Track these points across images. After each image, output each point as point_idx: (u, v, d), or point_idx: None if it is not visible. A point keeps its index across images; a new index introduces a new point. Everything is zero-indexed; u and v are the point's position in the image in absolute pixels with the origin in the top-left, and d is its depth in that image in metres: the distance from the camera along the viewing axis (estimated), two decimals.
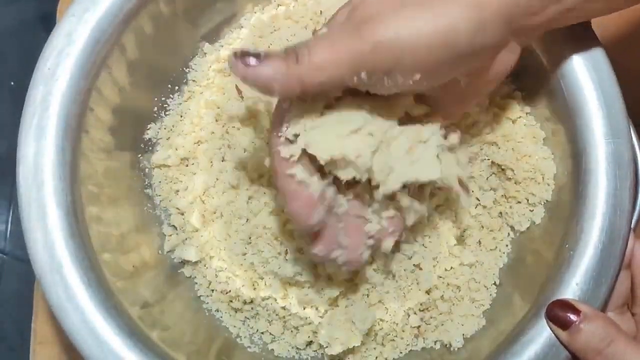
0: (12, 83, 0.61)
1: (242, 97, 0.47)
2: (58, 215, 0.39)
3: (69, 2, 0.53)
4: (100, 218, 0.42)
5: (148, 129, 0.48)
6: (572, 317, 0.37)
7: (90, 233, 0.40)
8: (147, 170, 0.48)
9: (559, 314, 0.38)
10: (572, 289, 0.39)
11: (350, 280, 0.46)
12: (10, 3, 0.61)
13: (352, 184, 0.37)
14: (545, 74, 0.43)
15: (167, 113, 0.49)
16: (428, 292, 0.46)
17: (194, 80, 0.49)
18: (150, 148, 0.48)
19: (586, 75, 0.41)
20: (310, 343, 0.47)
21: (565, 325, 0.38)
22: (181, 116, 0.49)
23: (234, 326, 0.47)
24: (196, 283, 0.48)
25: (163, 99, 0.49)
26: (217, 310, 0.47)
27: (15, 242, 0.60)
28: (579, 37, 0.41)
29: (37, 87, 0.40)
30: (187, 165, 0.48)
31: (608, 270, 0.39)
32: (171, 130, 0.49)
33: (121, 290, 0.40)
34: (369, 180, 0.36)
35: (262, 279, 0.47)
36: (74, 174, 0.40)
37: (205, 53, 0.49)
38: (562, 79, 0.41)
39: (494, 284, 0.47)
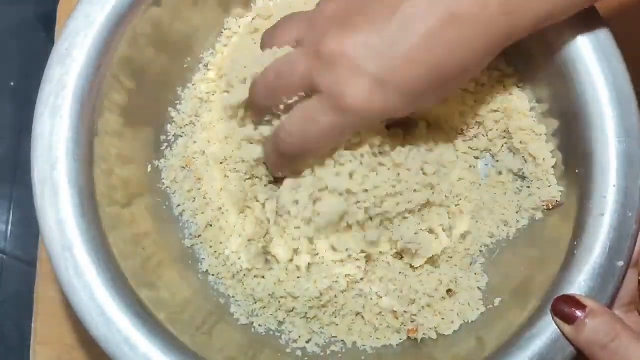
0: (12, 83, 0.61)
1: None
2: (70, 194, 0.40)
3: (69, 2, 0.54)
4: (111, 198, 0.43)
5: (165, 110, 0.49)
6: (578, 312, 0.37)
7: (101, 213, 0.41)
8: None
9: (564, 309, 0.38)
10: (578, 285, 0.39)
11: None
12: (10, 3, 0.61)
13: None
14: (555, 71, 0.43)
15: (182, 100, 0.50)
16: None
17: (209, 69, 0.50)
18: (165, 129, 0.49)
19: (599, 71, 0.41)
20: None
21: (570, 319, 0.38)
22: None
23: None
24: (210, 274, 0.48)
25: (179, 87, 0.50)
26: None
27: (15, 242, 0.60)
28: (590, 29, 0.41)
29: (53, 67, 0.41)
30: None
31: (615, 268, 0.39)
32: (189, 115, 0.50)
33: (129, 271, 0.41)
34: None
35: (271, 269, 0.47)
36: (87, 154, 0.41)
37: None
38: (573, 74, 0.42)
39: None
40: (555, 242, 0.43)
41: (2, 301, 0.57)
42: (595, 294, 0.39)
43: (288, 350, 0.46)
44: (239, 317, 0.47)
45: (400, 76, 0.37)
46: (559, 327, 0.38)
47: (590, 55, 0.41)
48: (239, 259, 0.47)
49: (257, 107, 0.43)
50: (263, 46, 0.43)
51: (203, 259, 0.48)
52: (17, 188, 0.58)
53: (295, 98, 0.40)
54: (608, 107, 0.41)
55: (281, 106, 0.40)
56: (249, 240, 0.47)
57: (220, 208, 0.48)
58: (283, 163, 0.43)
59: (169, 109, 0.49)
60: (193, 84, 0.50)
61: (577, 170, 0.42)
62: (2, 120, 0.59)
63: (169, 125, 0.49)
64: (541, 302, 0.40)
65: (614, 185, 0.40)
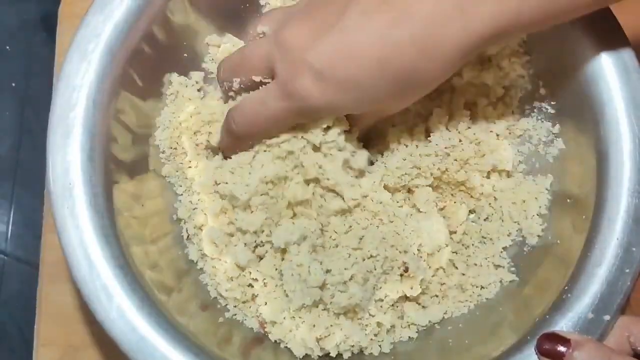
0: (13, 84, 0.61)
1: None
2: (81, 137, 0.41)
3: (71, 3, 0.53)
4: (122, 151, 0.44)
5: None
6: (562, 347, 0.37)
7: (109, 162, 0.42)
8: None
9: (549, 348, 0.38)
10: (587, 298, 0.40)
11: None
12: (11, 3, 0.61)
13: None
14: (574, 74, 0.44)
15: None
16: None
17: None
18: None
19: (614, 74, 0.41)
20: None
21: (557, 356, 0.37)
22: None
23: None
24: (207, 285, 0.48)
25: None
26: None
27: (16, 243, 0.60)
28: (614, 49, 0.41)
29: (92, 14, 0.42)
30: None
31: (602, 321, 0.39)
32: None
33: (124, 225, 0.42)
34: None
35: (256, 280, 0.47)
36: (107, 102, 0.42)
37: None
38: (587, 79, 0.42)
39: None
40: (547, 284, 0.43)
41: (3, 302, 0.57)
42: (603, 305, 0.39)
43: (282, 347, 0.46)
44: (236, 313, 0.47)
45: (339, 72, 0.38)
46: None
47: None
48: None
49: (221, 82, 0.46)
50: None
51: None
52: (18, 189, 0.58)
53: (256, 78, 0.42)
54: (627, 163, 0.41)
55: (237, 83, 0.44)
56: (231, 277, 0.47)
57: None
58: (233, 143, 0.45)
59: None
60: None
61: (584, 217, 0.42)
62: (3, 121, 0.59)
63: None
64: (520, 339, 0.40)
65: (617, 239, 0.40)
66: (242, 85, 0.44)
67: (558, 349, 0.37)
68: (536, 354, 0.38)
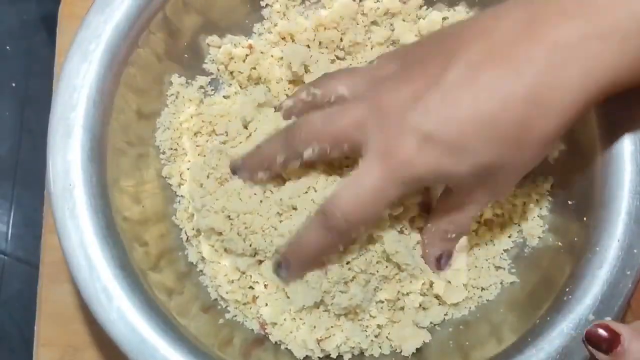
0: (13, 84, 0.60)
1: None
2: (82, 137, 0.41)
3: (71, 3, 0.53)
4: (122, 151, 0.44)
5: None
6: (611, 338, 0.36)
7: (109, 162, 0.42)
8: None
9: (599, 337, 0.37)
10: (560, 331, 0.39)
11: None
12: (11, 3, 0.61)
13: None
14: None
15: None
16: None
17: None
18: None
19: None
20: None
21: (607, 348, 0.36)
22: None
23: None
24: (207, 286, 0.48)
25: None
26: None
27: (17, 243, 0.59)
28: None
29: (93, 15, 0.42)
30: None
31: (626, 281, 0.39)
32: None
33: (125, 225, 0.42)
34: None
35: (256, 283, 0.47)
36: (107, 103, 0.42)
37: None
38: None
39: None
40: (548, 286, 0.43)
41: (3, 302, 0.57)
42: (603, 308, 0.39)
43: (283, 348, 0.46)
44: (236, 314, 0.47)
45: (446, 133, 0.36)
46: (595, 356, 0.37)
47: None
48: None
49: (291, 147, 0.41)
50: (314, 87, 0.43)
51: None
52: (18, 189, 0.58)
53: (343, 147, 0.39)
54: (628, 165, 0.41)
55: (312, 152, 0.39)
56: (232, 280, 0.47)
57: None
58: (335, 241, 0.41)
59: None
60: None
61: (585, 218, 0.42)
62: (3, 121, 0.59)
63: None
64: (520, 340, 0.40)
65: (618, 240, 0.40)
66: (314, 153, 0.40)
67: (608, 339, 0.36)
68: (583, 342, 0.38)
